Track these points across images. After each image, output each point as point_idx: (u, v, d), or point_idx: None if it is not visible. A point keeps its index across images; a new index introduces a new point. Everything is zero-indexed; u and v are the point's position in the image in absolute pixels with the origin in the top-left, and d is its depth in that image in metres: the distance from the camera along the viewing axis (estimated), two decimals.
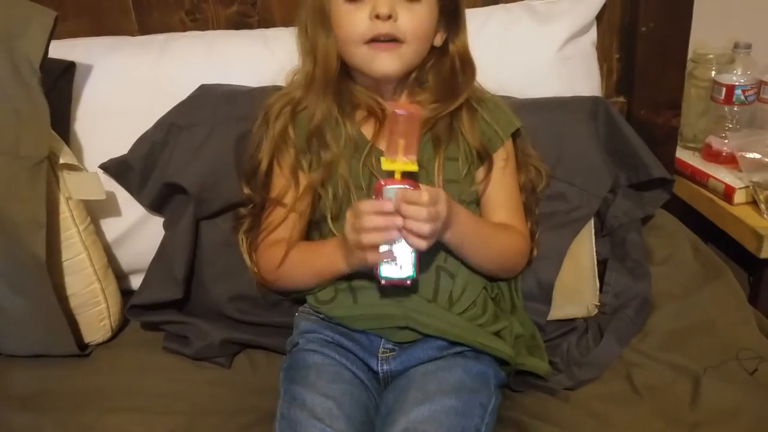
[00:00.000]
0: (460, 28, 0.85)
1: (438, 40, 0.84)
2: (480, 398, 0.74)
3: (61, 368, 0.89)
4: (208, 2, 1.15)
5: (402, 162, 0.73)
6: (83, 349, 0.91)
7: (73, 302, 0.89)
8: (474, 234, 0.81)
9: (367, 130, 0.85)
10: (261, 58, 1.03)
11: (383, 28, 0.77)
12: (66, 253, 0.88)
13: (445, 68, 0.85)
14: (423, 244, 0.72)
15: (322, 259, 0.82)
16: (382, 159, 0.74)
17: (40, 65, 0.86)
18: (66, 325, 0.87)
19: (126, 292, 0.98)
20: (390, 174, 0.74)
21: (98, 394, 0.85)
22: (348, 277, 0.82)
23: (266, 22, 1.16)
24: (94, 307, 0.91)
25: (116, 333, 0.96)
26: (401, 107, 0.77)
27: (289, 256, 0.83)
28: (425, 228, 0.71)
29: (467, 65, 0.86)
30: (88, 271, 0.90)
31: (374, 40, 0.78)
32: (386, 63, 0.80)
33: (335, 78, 0.83)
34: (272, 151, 0.86)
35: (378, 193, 0.73)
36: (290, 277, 0.85)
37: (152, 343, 0.92)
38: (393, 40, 0.78)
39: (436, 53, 0.85)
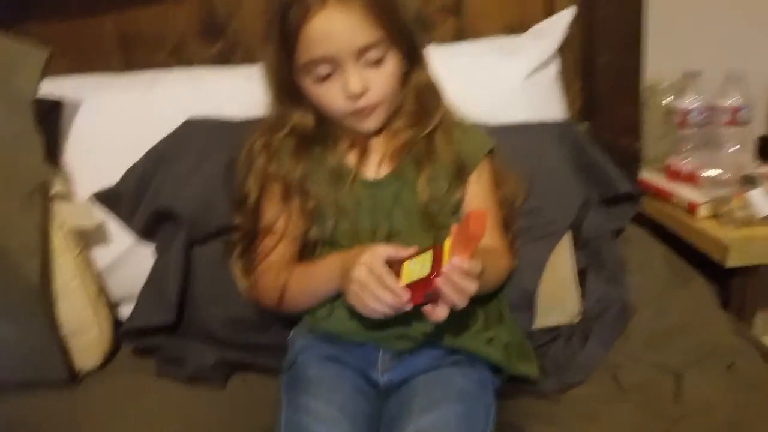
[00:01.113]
0: (421, 60, 0.90)
1: (403, 67, 0.87)
2: (482, 404, 0.76)
3: (51, 396, 0.87)
4: (191, 42, 1.20)
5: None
6: (74, 376, 0.90)
7: (65, 329, 0.89)
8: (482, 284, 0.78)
9: (350, 158, 0.89)
10: (246, 93, 1.04)
11: (360, 103, 0.82)
12: (59, 280, 0.88)
13: (415, 95, 0.89)
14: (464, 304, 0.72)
15: (321, 282, 0.82)
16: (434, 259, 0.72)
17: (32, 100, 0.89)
18: (58, 352, 0.86)
19: (117, 322, 0.98)
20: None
21: (91, 421, 0.83)
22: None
23: (248, 60, 1.18)
24: (87, 334, 0.91)
25: (107, 360, 0.95)
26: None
27: (286, 282, 0.84)
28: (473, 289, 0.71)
29: (434, 88, 0.91)
30: (80, 297, 0.90)
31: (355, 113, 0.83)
32: (370, 123, 0.86)
33: (313, 133, 0.87)
34: (260, 183, 0.89)
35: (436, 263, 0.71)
36: (290, 300, 0.85)
37: (144, 368, 0.92)
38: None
39: (405, 83, 0.89)
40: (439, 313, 0.72)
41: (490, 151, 0.94)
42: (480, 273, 0.72)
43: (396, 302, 0.71)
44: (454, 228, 0.72)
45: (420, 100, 0.90)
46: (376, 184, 0.88)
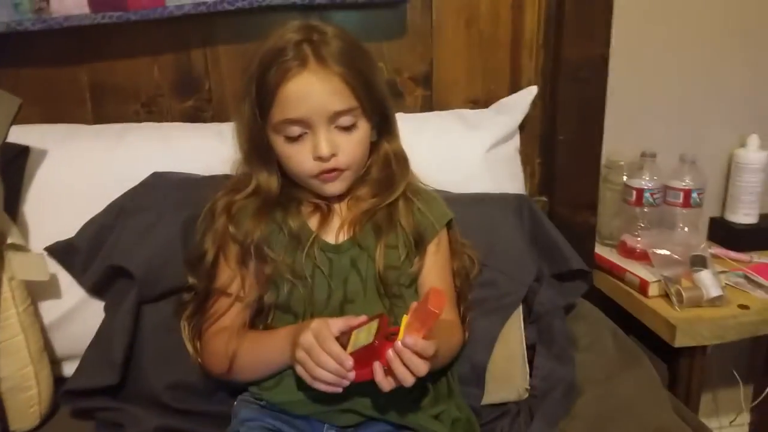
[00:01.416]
0: (392, 128, 0.94)
1: (372, 137, 0.91)
2: None
3: None
4: (164, 96, 1.21)
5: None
6: None
7: (4, 385, 0.86)
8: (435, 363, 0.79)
9: (312, 222, 0.90)
10: (215, 150, 1.06)
11: (327, 166, 0.85)
12: (2, 334, 0.86)
13: (381, 165, 0.92)
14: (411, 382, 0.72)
15: (271, 353, 0.82)
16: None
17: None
18: None
19: (57, 380, 0.95)
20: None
21: None
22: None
23: (220, 118, 1.22)
24: (26, 392, 0.88)
25: (44, 421, 0.92)
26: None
27: (237, 349, 0.83)
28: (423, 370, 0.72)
29: (401, 159, 0.94)
30: (23, 353, 0.88)
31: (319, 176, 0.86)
32: (334, 188, 0.88)
33: (276, 197, 0.89)
34: (217, 244, 0.89)
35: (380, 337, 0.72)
36: (240, 368, 0.84)
37: None
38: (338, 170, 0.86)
39: (373, 152, 0.92)
40: (384, 383, 0.72)
41: (449, 222, 0.96)
42: (433, 354, 0.73)
43: (338, 370, 0.72)
44: (413, 305, 0.74)
45: (386, 170, 0.92)
46: (335, 249, 0.89)
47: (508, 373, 0.98)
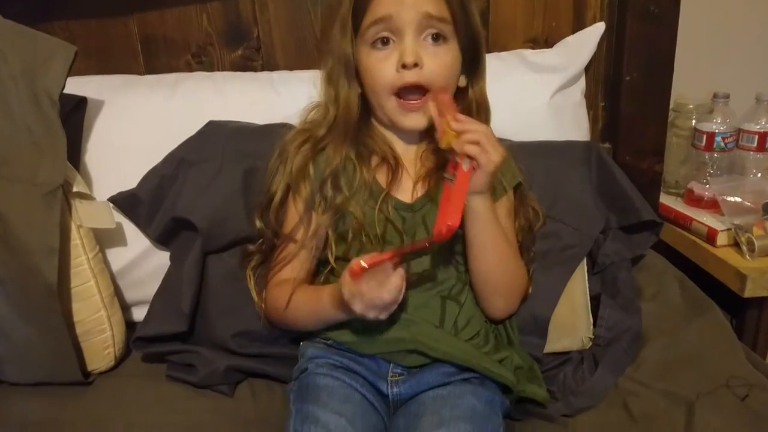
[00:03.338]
0: (481, 72, 0.90)
1: (462, 82, 0.88)
2: (492, 424, 0.75)
3: (64, 396, 0.88)
4: (214, 46, 1.20)
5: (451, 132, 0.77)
6: (86, 377, 0.91)
7: (79, 329, 0.90)
8: (496, 228, 0.83)
9: (381, 178, 0.88)
10: (267, 99, 1.08)
11: (410, 77, 0.81)
12: (75, 280, 0.89)
13: (463, 112, 0.88)
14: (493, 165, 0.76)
15: (323, 306, 0.82)
16: (445, 138, 0.77)
17: (58, 98, 0.90)
18: (72, 353, 0.87)
19: (128, 324, 0.99)
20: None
21: (101, 423, 0.84)
22: None
23: (269, 67, 1.21)
24: (100, 335, 0.92)
25: (119, 362, 0.96)
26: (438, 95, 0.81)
27: (292, 300, 0.84)
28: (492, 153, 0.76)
29: (483, 110, 0.90)
30: (95, 298, 0.91)
31: (403, 95, 0.82)
32: (414, 121, 0.84)
33: (355, 125, 0.87)
34: (288, 185, 0.88)
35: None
36: (293, 319, 0.86)
37: (154, 373, 0.93)
38: (420, 86, 0.82)
39: (458, 100, 0.88)
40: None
41: (518, 185, 0.93)
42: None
43: (378, 258, 0.72)
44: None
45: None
46: (409, 207, 0.87)
47: (570, 323, 0.96)
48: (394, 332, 0.81)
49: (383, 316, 0.75)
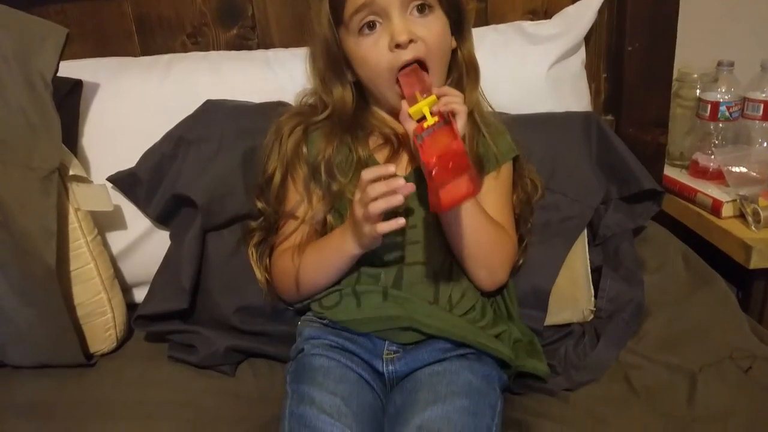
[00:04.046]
0: (467, 33, 0.89)
1: (453, 44, 0.88)
2: (489, 399, 0.75)
3: (66, 378, 0.89)
4: (209, 26, 1.19)
5: (423, 101, 0.77)
6: (89, 359, 0.92)
7: (80, 312, 0.91)
8: (475, 206, 0.82)
9: (380, 155, 0.88)
10: (263, 77, 1.07)
11: (407, 55, 0.80)
12: (74, 263, 0.89)
13: (454, 75, 0.89)
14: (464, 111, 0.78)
15: (332, 250, 0.83)
16: (409, 110, 0.78)
17: (51, 80, 0.89)
18: (74, 335, 0.88)
19: (129, 306, 0.99)
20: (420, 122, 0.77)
21: (103, 404, 0.85)
22: (352, 282, 0.84)
23: (265, 45, 1.20)
24: (101, 317, 0.93)
25: (121, 344, 0.97)
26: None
27: (302, 260, 0.85)
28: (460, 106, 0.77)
29: (473, 69, 0.90)
30: (95, 281, 0.91)
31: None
32: None
33: (350, 117, 0.87)
34: (285, 166, 0.89)
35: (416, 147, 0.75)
36: (308, 278, 0.85)
37: (156, 354, 0.93)
38: (418, 61, 0.81)
39: (452, 67, 0.88)
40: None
41: (514, 158, 0.92)
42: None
43: (383, 172, 0.74)
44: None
45: (459, 82, 0.89)
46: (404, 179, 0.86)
47: (571, 295, 0.95)
48: (388, 310, 0.81)
49: (379, 231, 0.75)
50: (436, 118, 0.76)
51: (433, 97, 0.78)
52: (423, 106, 0.77)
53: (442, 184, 0.68)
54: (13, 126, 0.86)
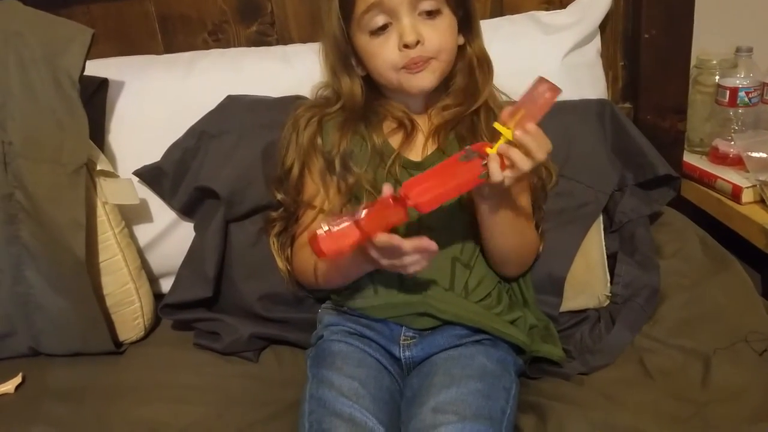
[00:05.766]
0: (476, 30, 0.90)
1: (459, 41, 0.89)
2: (503, 382, 0.77)
3: (97, 365, 0.94)
4: (230, 23, 1.21)
5: (506, 129, 0.72)
6: (118, 346, 0.96)
7: (109, 301, 0.94)
8: (513, 211, 0.83)
9: (395, 140, 0.89)
10: (281, 72, 1.09)
11: (413, 54, 0.82)
12: (102, 255, 0.93)
13: (466, 71, 0.89)
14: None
15: (351, 265, 0.83)
16: (495, 124, 0.74)
17: (78, 79, 0.93)
18: (103, 323, 0.92)
19: (157, 296, 1.03)
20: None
21: (133, 388, 0.89)
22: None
23: (284, 40, 1.22)
24: (129, 306, 0.96)
25: (149, 332, 1.00)
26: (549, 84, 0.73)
27: (318, 264, 0.86)
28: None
29: (485, 64, 0.90)
30: (123, 271, 0.95)
31: (407, 67, 0.83)
32: (422, 81, 0.84)
33: (362, 108, 0.88)
34: (302, 158, 0.91)
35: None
36: (324, 278, 0.88)
37: (183, 341, 0.97)
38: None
39: (458, 59, 0.89)
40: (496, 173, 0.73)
41: None
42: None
43: (419, 246, 0.74)
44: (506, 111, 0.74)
45: (470, 76, 0.90)
46: (418, 165, 0.88)
47: (587, 281, 0.96)
48: (404, 296, 0.83)
49: (412, 270, 0.76)
50: (495, 149, 0.73)
51: (510, 133, 0.72)
52: (503, 130, 0.73)
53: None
54: (43, 124, 0.90)
